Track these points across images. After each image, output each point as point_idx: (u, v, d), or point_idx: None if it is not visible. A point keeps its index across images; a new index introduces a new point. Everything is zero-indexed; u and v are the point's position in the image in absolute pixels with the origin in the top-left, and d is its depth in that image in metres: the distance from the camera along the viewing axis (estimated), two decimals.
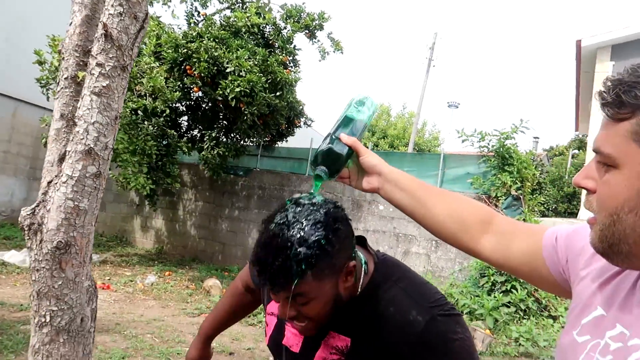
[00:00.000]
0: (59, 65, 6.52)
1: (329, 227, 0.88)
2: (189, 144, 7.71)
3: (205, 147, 7.69)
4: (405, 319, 0.95)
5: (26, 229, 1.62)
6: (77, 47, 1.75)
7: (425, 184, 1.03)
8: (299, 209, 0.90)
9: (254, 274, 1.28)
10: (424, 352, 0.93)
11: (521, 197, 7.16)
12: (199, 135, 8.26)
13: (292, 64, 7.85)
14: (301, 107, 8.55)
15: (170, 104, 6.79)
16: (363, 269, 1.02)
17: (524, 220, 6.63)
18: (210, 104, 7.59)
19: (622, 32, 10.56)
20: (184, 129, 8.41)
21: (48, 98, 7.05)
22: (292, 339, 1.08)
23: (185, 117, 8.20)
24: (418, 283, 1.03)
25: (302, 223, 0.87)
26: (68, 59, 1.75)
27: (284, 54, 7.49)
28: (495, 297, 6.28)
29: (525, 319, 6.11)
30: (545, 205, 13.27)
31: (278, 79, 6.82)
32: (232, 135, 8.09)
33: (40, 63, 6.66)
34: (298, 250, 0.85)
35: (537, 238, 0.88)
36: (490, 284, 6.55)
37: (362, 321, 0.99)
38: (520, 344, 5.50)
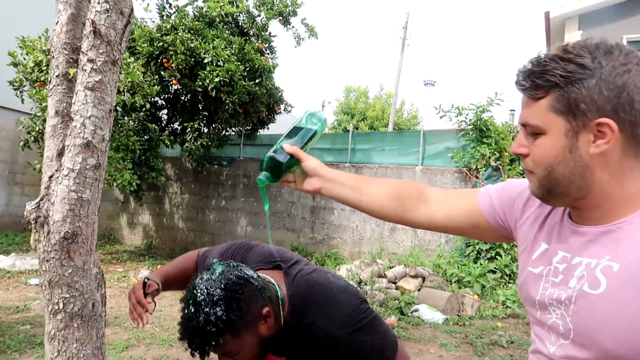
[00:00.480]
0: (33, 66, 6.48)
1: (229, 299, 1.09)
2: (171, 137, 7.73)
3: (188, 139, 7.71)
4: (319, 344, 1.19)
5: (33, 222, 1.69)
6: (66, 45, 1.81)
7: (359, 176, 1.18)
8: (201, 289, 1.11)
9: (205, 263, 1.48)
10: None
11: (500, 167, 7.36)
12: (180, 127, 8.26)
13: (268, 51, 7.88)
14: (280, 93, 8.60)
15: (150, 99, 6.80)
16: (280, 303, 1.22)
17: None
18: (189, 96, 7.60)
19: (589, 1, 10.76)
20: (164, 122, 8.41)
21: (23, 100, 6.98)
22: None
23: (165, 111, 8.20)
24: (327, 306, 1.22)
25: (204, 305, 1.08)
26: (58, 57, 1.81)
27: (259, 42, 7.51)
28: (481, 264, 6.51)
29: (510, 283, 6.35)
30: (524, 175, 13.56)
31: (256, 66, 6.86)
32: (213, 125, 8.12)
33: (15, 65, 6.58)
34: (208, 328, 1.06)
35: (473, 198, 1.06)
36: (475, 252, 6.78)
37: (291, 344, 1.23)
38: (507, 306, 5.75)
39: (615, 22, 10.44)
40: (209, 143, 7.75)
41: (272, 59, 7.87)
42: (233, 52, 6.68)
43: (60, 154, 1.75)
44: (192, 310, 1.09)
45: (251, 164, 9.58)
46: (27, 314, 4.70)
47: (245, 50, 6.82)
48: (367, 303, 1.28)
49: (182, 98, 7.95)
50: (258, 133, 9.54)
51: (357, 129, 23.80)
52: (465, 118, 7.71)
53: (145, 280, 1.59)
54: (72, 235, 1.68)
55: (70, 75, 1.80)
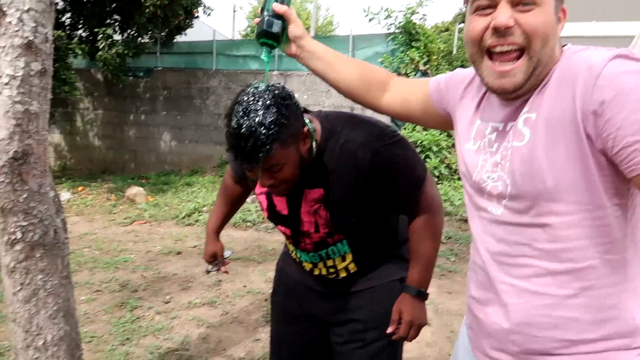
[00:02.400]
0: None
1: (280, 105, 1.07)
2: (82, 46, 6.88)
3: (101, 47, 6.91)
4: (355, 159, 1.20)
5: None
6: None
7: (337, 52, 1.22)
8: (250, 98, 1.07)
9: (234, 167, 1.51)
10: (377, 178, 1.20)
11: (429, 71, 7.45)
12: (87, 35, 7.36)
13: None
14: None
15: None
16: (313, 132, 1.22)
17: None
18: None
19: None
20: (67, 29, 7.43)
21: None
22: (279, 204, 1.33)
23: (69, 15, 7.22)
24: (359, 125, 1.25)
25: (257, 109, 1.05)
26: None
27: None
28: None
29: (440, 183, 6.71)
30: None
31: None
32: (128, 32, 7.32)
33: None
34: (262, 131, 1.03)
35: (425, 86, 1.15)
36: None
37: (325, 172, 1.23)
38: None
39: None
40: (125, 52, 7.01)
41: None
42: None
43: None
44: (243, 116, 1.05)
45: (171, 74, 8.92)
46: None
47: None
48: None
49: None
50: (175, 40, 8.81)
51: None
52: (395, 21, 7.59)
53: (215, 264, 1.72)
54: (22, 155, 1.45)
55: None
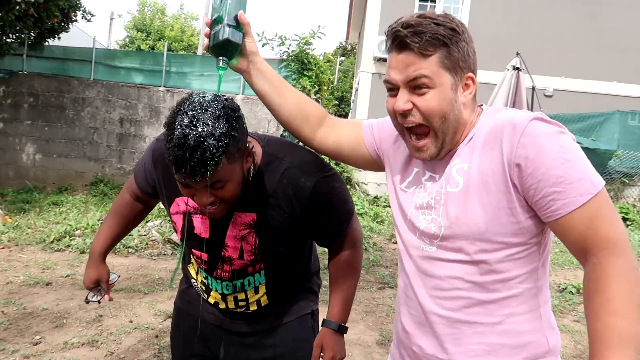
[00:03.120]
0: None
1: (229, 117, 1.00)
2: None
3: None
4: (296, 186, 1.18)
5: None
6: None
7: (281, 78, 1.22)
8: (197, 107, 0.99)
9: (141, 182, 1.36)
10: (313, 207, 1.19)
11: (319, 100, 7.63)
12: None
13: None
14: None
15: None
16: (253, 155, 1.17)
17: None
18: None
19: None
20: None
21: None
22: (200, 227, 1.24)
23: None
24: (301, 153, 1.24)
25: (207, 119, 0.97)
26: None
27: None
28: None
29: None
30: (344, 108, 14.37)
31: None
32: None
33: None
34: (211, 142, 0.95)
35: (359, 128, 1.20)
36: None
37: (262, 196, 1.19)
38: None
39: None
40: None
41: None
42: None
43: None
44: (189, 125, 0.96)
45: (39, 80, 8.02)
46: None
47: None
48: None
49: None
50: (47, 43, 7.97)
51: (153, 49, 21.90)
52: (288, 49, 7.69)
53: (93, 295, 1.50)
54: None
55: None
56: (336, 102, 15.85)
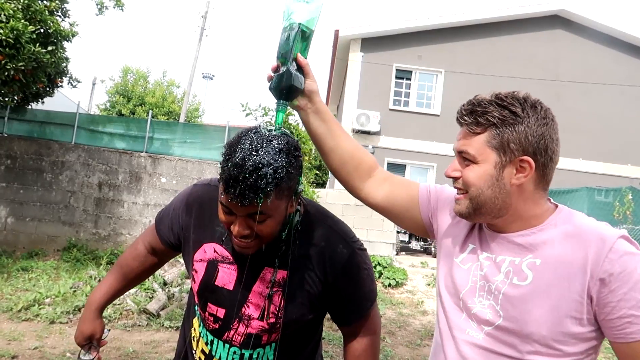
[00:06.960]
0: None
1: (291, 154, 1.01)
2: None
3: None
4: (334, 251, 1.16)
5: None
6: None
7: (338, 123, 1.20)
8: (262, 137, 1.00)
9: (164, 231, 1.31)
10: (345, 277, 1.17)
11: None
12: None
13: (60, 14, 6.62)
14: (66, 64, 7.36)
15: None
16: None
17: (302, 191, 7.19)
18: None
19: (370, 27, 12.21)
20: None
21: None
22: (224, 278, 1.18)
23: None
24: (339, 222, 1.24)
25: (269, 149, 0.98)
26: None
27: (54, 1, 6.25)
28: None
29: None
30: (321, 178, 14.45)
31: (50, 30, 5.67)
32: None
33: None
34: (268, 170, 0.96)
35: (414, 189, 1.19)
36: None
37: (297, 256, 1.15)
38: None
39: (389, 51, 12.09)
40: None
41: (72, 25, 6.64)
42: (20, 6, 5.39)
43: None
44: (251, 151, 0.97)
45: (18, 142, 7.97)
46: None
47: (37, 9, 5.58)
48: None
49: None
50: (29, 107, 8.00)
51: (133, 114, 22.09)
52: (271, 119, 7.88)
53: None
54: None
55: None
56: (317, 171, 16.06)
